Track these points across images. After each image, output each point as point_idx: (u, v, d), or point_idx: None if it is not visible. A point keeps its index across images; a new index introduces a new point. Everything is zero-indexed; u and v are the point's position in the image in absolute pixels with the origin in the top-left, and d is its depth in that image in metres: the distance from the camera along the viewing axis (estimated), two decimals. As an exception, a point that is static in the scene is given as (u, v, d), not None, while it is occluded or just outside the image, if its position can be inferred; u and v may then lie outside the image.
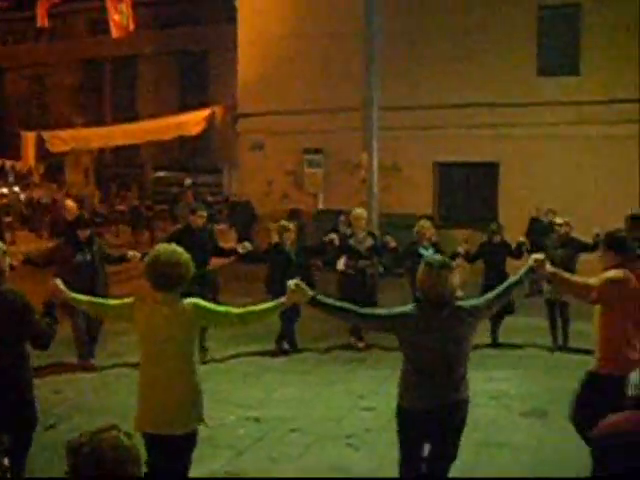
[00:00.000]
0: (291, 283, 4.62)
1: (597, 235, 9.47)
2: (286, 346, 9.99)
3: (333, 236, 10.07)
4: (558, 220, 10.36)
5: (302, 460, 6.21)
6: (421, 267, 4.61)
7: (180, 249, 4.65)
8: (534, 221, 14.07)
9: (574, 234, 10.17)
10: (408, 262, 10.08)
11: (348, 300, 5.57)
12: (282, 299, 4.66)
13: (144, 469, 3.07)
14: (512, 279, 5.05)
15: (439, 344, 4.48)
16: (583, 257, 10.16)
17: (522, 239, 10.44)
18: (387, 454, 6.23)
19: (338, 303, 4.82)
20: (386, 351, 9.93)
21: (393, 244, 9.98)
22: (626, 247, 5.52)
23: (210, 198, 26.88)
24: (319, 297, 4.68)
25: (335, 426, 7.00)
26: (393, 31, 16.25)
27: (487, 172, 16.87)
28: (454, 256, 10.03)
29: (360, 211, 10.35)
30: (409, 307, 4.63)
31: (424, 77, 16.67)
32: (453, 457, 4.75)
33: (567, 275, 5.57)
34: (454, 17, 16.76)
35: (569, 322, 10.04)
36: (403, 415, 4.70)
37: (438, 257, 4.75)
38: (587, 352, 9.80)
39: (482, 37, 16.50)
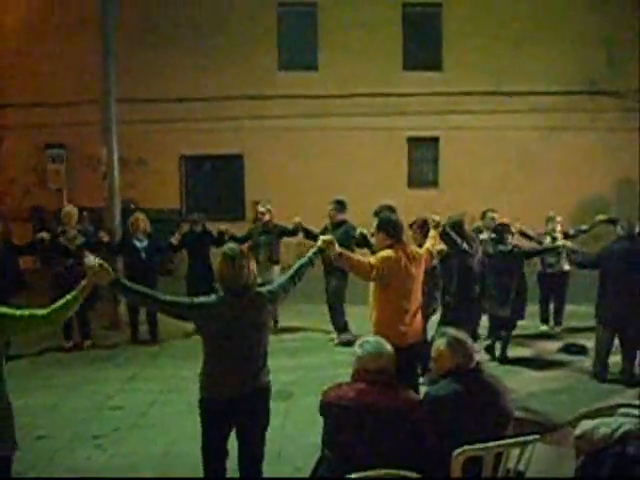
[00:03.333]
0: (95, 263, 4.35)
1: (298, 223, 10.31)
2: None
3: (44, 234, 9.81)
4: (260, 208, 10.87)
5: (50, 467, 6.01)
6: (220, 259, 4.59)
7: None
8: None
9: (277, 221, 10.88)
10: (125, 255, 10.40)
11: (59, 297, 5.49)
12: (83, 282, 4.37)
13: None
14: (302, 261, 5.13)
15: (241, 332, 4.50)
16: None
17: (223, 227, 10.86)
18: (136, 451, 6.27)
19: (140, 288, 4.62)
20: (134, 349, 9.99)
21: (106, 239, 10.24)
22: (395, 229, 5.98)
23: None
24: (122, 280, 4.52)
25: (83, 428, 6.85)
26: (134, 22, 16.05)
27: (233, 164, 17.16)
28: (169, 246, 10.45)
29: (69, 208, 10.19)
30: (212, 297, 4.56)
31: (169, 70, 16.53)
32: (261, 445, 4.77)
33: (351, 255, 5.88)
34: (197, 10, 16.84)
35: None
36: (204, 405, 4.63)
37: (234, 247, 4.70)
38: (324, 331, 10.52)
39: (225, 31, 16.74)
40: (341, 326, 10.11)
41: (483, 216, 10.05)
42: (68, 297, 4.39)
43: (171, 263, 14.42)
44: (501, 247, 8.93)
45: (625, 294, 8.16)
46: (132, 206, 14.43)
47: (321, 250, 5.35)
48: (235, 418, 4.62)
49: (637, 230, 8.49)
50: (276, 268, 10.64)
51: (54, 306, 4.37)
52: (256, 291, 4.67)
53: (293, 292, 5.00)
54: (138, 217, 10.36)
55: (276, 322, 10.68)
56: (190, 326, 10.51)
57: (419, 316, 6.16)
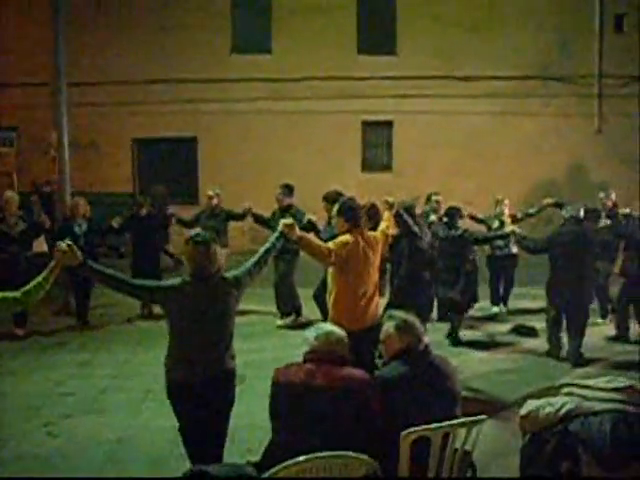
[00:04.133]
0: (62, 244, 4.40)
1: (248, 209, 10.36)
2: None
3: None
4: (209, 192, 10.84)
5: (1, 454, 5.91)
6: (189, 245, 4.61)
7: None
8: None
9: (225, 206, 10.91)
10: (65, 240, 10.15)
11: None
12: (51, 264, 4.42)
13: None
14: (266, 246, 5.18)
15: (207, 317, 4.54)
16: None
17: (171, 211, 10.80)
18: (89, 438, 6.22)
19: (109, 270, 4.62)
20: (86, 335, 9.89)
21: (47, 224, 10.05)
22: (354, 214, 6.04)
23: None
24: (90, 262, 4.51)
25: (34, 415, 6.77)
26: (86, 4, 15.79)
27: (186, 147, 17.06)
28: (110, 229, 10.27)
29: (10, 194, 9.98)
30: (178, 280, 4.58)
31: (122, 52, 16.35)
32: (226, 427, 4.85)
33: (312, 239, 5.95)
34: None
35: None
36: (172, 389, 4.65)
37: (202, 233, 4.74)
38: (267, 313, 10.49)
39: (178, 13, 16.55)
40: (287, 309, 10.21)
41: (428, 199, 10.16)
42: (39, 279, 4.45)
43: (123, 245, 14.28)
44: (452, 231, 9.02)
45: (573, 276, 8.34)
46: (46, 189, 14.17)
47: (282, 234, 5.37)
48: (202, 401, 4.63)
49: (582, 214, 8.66)
50: (223, 252, 10.62)
51: (25, 288, 4.42)
52: (222, 276, 4.71)
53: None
54: (78, 202, 10.17)
55: None
56: (129, 312, 10.63)
57: (376, 299, 6.23)
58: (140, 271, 9.77)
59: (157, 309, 10.40)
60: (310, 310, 9.80)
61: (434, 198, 10.18)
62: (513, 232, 9.02)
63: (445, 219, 9.29)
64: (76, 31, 13.77)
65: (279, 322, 10.22)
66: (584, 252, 8.41)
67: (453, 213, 9.20)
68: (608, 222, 9.67)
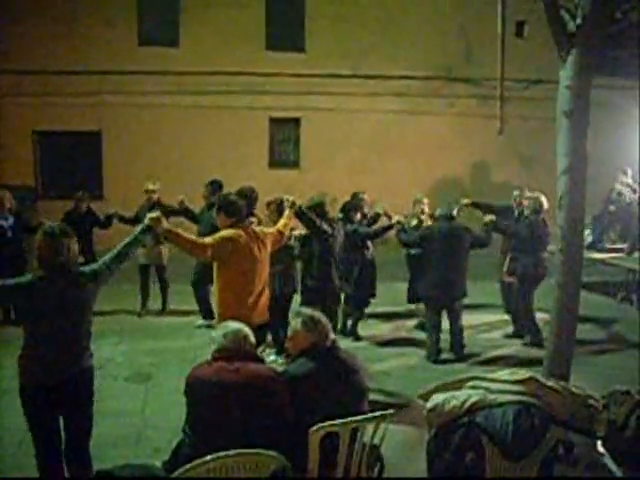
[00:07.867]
0: None
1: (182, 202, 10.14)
2: None
3: None
4: (150, 186, 10.64)
5: None
6: (40, 236, 4.44)
7: None
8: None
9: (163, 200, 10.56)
10: None
11: None
12: None
13: None
14: (128, 239, 4.97)
15: (62, 312, 4.36)
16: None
17: (111, 211, 10.60)
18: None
19: None
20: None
21: None
22: (235, 209, 5.95)
23: None
24: None
25: None
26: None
27: (90, 141, 16.55)
28: (40, 226, 9.86)
29: None
30: (29, 276, 4.40)
31: (23, 40, 15.68)
32: (89, 428, 4.67)
33: (182, 233, 5.66)
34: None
35: (167, 285, 10.59)
36: (26, 392, 4.44)
37: (54, 224, 4.59)
38: (186, 313, 10.38)
39: (85, 2, 16.05)
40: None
41: (353, 198, 9.93)
42: None
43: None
44: (348, 226, 9.06)
45: (446, 272, 8.48)
46: None
47: (149, 227, 5.21)
48: (59, 404, 4.48)
49: (455, 211, 8.87)
50: (163, 249, 10.38)
51: None
52: (78, 271, 4.56)
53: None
54: (3, 195, 9.75)
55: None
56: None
57: (264, 298, 6.12)
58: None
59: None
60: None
61: (360, 196, 9.87)
62: (398, 222, 9.12)
63: (341, 215, 9.31)
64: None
65: (199, 322, 10.01)
66: (455, 248, 8.55)
67: (349, 208, 9.28)
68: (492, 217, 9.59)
